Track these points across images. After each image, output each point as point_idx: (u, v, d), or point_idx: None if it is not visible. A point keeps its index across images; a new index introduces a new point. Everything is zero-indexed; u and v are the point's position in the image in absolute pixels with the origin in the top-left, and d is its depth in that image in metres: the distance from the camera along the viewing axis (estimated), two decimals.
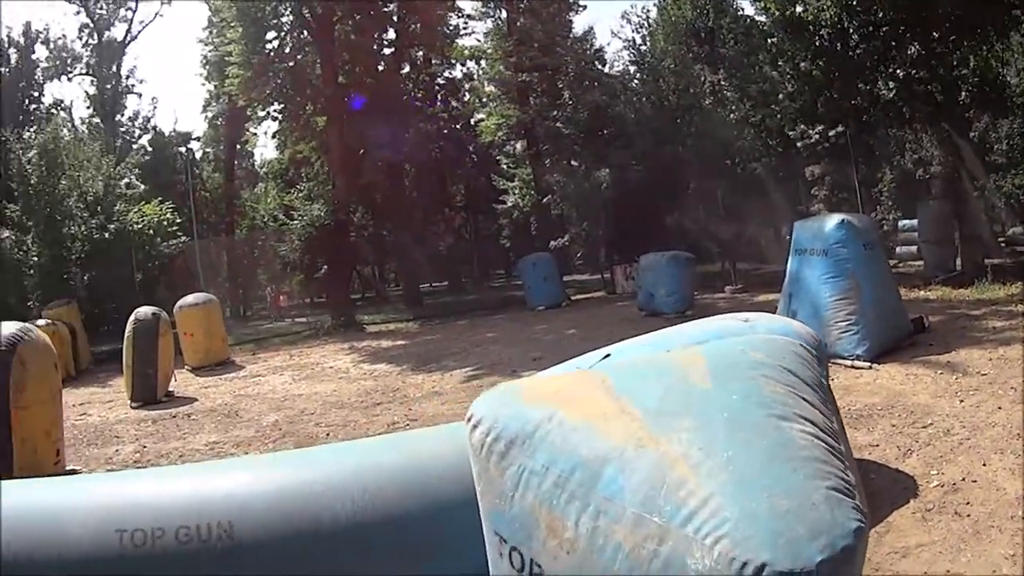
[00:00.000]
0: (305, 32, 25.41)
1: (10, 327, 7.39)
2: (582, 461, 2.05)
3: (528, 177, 31.58)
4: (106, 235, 25.18)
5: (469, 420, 2.38)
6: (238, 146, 49.35)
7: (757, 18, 22.75)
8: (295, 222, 26.57)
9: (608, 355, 3.60)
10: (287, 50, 25.72)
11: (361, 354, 17.10)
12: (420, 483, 3.02)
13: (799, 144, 24.04)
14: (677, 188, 24.83)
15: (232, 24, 25.42)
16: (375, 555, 2.88)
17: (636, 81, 28.02)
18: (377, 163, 26.31)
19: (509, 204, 31.01)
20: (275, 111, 27.70)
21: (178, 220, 28.19)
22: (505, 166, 32.43)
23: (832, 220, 10.86)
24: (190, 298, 18.23)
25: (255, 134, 36.27)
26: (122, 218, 25.95)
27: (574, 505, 2.01)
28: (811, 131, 23.21)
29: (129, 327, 13.16)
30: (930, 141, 22.44)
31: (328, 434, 8.85)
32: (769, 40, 20.27)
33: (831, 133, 22.66)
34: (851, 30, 18.01)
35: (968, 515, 4.48)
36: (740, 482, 1.83)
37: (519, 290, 29.84)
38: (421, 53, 30.26)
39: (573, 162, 26.94)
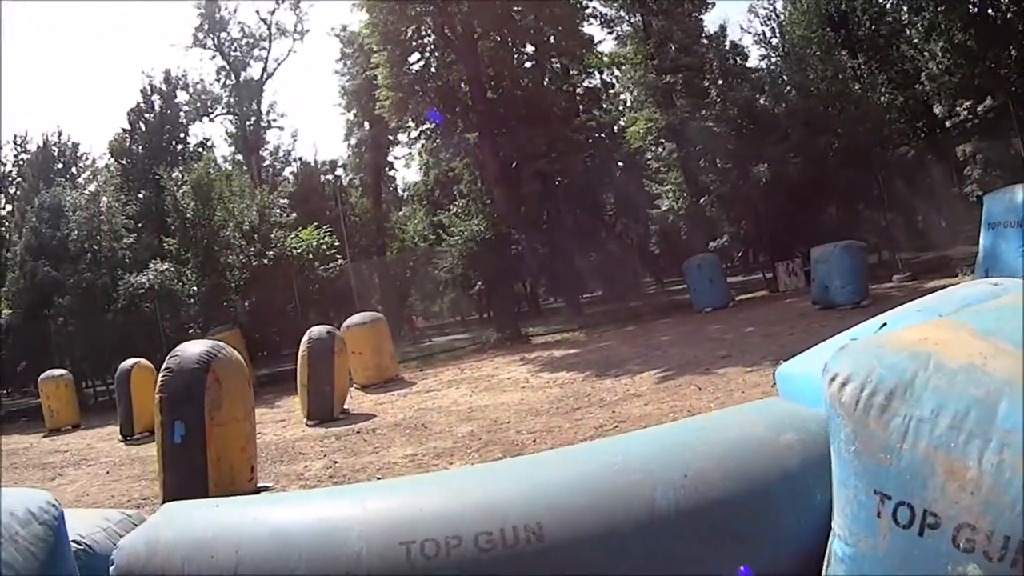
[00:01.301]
0: (449, 50, 25.97)
1: (203, 344, 7.56)
2: (975, 400, 2.04)
3: (678, 180, 31.21)
4: (265, 261, 26.17)
5: (833, 379, 2.35)
6: (383, 171, 51.06)
7: None
8: (455, 238, 26.78)
9: (884, 324, 3.43)
10: (432, 69, 26.32)
11: (535, 364, 17.10)
12: (738, 463, 2.92)
13: (948, 123, 23.00)
14: (833, 179, 24.10)
15: (378, 49, 26.22)
16: (698, 541, 2.74)
17: (781, 74, 27.26)
18: (531, 175, 26.53)
19: (664, 208, 30.68)
20: (428, 130, 28.25)
21: (336, 243, 29.10)
22: (655, 170, 32.07)
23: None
24: (357, 317, 18.57)
25: (410, 154, 37.40)
26: (280, 244, 26.92)
27: (974, 444, 1.99)
28: (959, 108, 22.18)
29: (304, 346, 13.58)
30: None
31: (534, 440, 8.62)
32: (920, 15, 19.35)
33: (979, 108, 21.57)
34: None
35: None
36: None
37: (677, 294, 29.54)
38: (558, 64, 30.42)
39: (726, 161, 26.40)
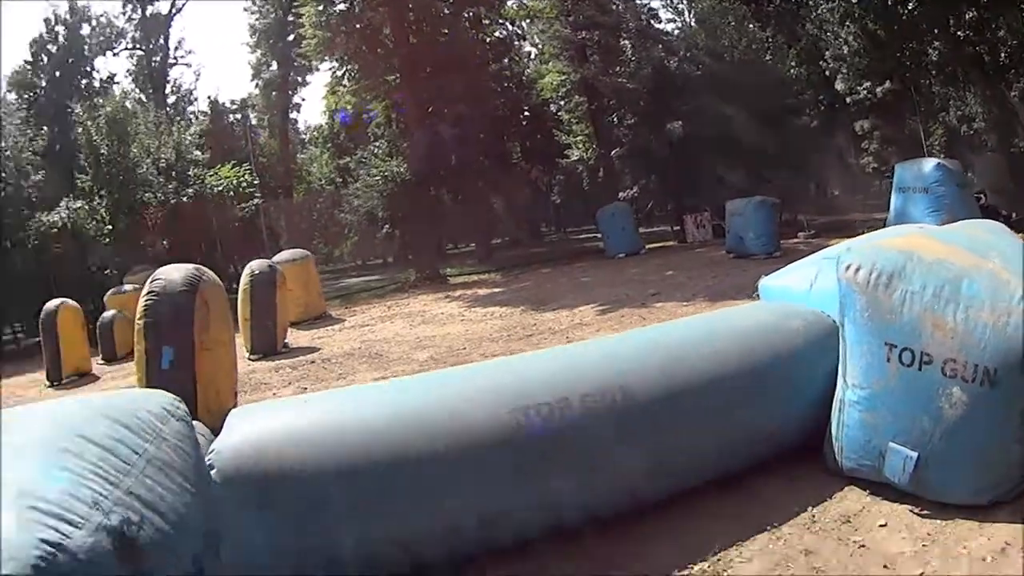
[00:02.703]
0: None
1: (186, 268, 7.24)
2: (948, 279, 3.30)
3: (587, 132, 32.33)
4: (184, 199, 25.98)
5: (848, 267, 3.57)
6: (289, 112, 50.49)
7: None
8: (375, 178, 27.08)
9: (849, 248, 4.46)
10: (357, 10, 26.44)
11: (463, 301, 17.78)
12: (758, 340, 4.06)
13: (848, 100, 24.90)
14: (740, 141, 25.57)
15: None
16: (736, 397, 3.89)
17: (694, 37, 28.58)
18: (451, 119, 27.06)
19: (574, 158, 31.79)
20: (351, 70, 28.39)
21: (256, 182, 29.06)
22: (566, 122, 33.12)
23: (930, 162, 12.81)
24: (286, 254, 18.75)
25: (335, 93, 37.21)
26: (199, 182, 26.77)
27: (950, 306, 3.25)
28: (859, 88, 24.06)
29: (245, 280, 13.64)
30: (974, 99, 23.04)
31: None
32: (835, 1, 20.91)
33: (879, 89, 23.48)
34: None
35: None
36: None
37: (581, 242, 30.80)
38: (472, 12, 30.70)
39: (638, 118, 27.64)
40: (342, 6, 26.46)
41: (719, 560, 3.30)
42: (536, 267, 24.91)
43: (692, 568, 3.25)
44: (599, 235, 26.58)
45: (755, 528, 3.53)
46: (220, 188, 27.17)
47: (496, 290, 19.34)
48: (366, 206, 29.38)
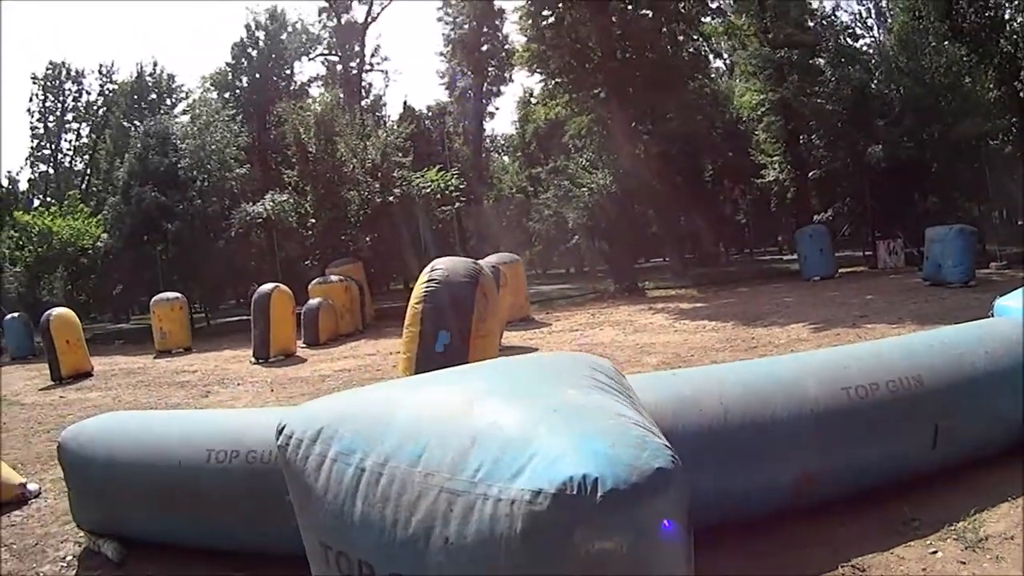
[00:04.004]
0: (580, 8, 27.14)
1: (464, 260, 7.87)
2: None
3: (781, 151, 32.43)
4: (391, 199, 27.27)
5: None
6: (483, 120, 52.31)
7: None
8: (582, 189, 27.91)
9: None
10: (565, 24, 27.50)
11: (668, 314, 18.24)
12: (1008, 346, 5.09)
13: None
14: (934, 168, 25.39)
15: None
16: (1003, 391, 4.89)
17: (895, 58, 28.26)
18: (660, 135, 27.80)
19: (769, 179, 32.04)
20: (560, 83, 29.04)
21: (462, 186, 30.44)
22: (763, 141, 33.35)
23: None
24: (495, 257, 19.19)
25: (543, 104, 38.92)
26: (405, 183, 28.08)
27: None
28: None
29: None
30: None
31: None
32: None
33: None
34: None
35: None
36: None
37: (768, 263, 30.82)
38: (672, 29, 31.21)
39: (837, 139, 27.66)
40: (551, 20, 27.57)
41: (974, 519, 4.25)
42: (731, 286, 25.21)
43: (955, 524, 4.21)
44: (786, 257, 26.60)
45: (999, 498, 4.47)
46: (428, 190, 28.44)
47: (699, 305, 19.75)
48: (571, 216, 30.15)
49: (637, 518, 1.76)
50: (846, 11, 32.62)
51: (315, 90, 47.53)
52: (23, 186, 54.81)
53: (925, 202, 25.56)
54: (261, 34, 46.21)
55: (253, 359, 16.33)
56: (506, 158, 58.46)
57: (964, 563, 3.82)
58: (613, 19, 27.53)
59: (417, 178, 28.97)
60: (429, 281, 7.31)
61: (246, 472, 4.34)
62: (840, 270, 24.85)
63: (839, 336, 11.52)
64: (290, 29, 47.61)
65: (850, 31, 32.01)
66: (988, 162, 25.59)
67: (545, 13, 27.75)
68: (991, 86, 25.77)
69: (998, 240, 25.60)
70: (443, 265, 7.54)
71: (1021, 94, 23.86)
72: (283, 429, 2.42)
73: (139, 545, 4.90)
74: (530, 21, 27.60)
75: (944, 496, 4.57)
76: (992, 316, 6.27)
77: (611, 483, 1.71)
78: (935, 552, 3.95)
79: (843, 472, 4.48)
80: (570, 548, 1.70)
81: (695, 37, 31.83)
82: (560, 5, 27.58)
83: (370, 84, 51.53)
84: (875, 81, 27.97)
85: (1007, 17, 25.61)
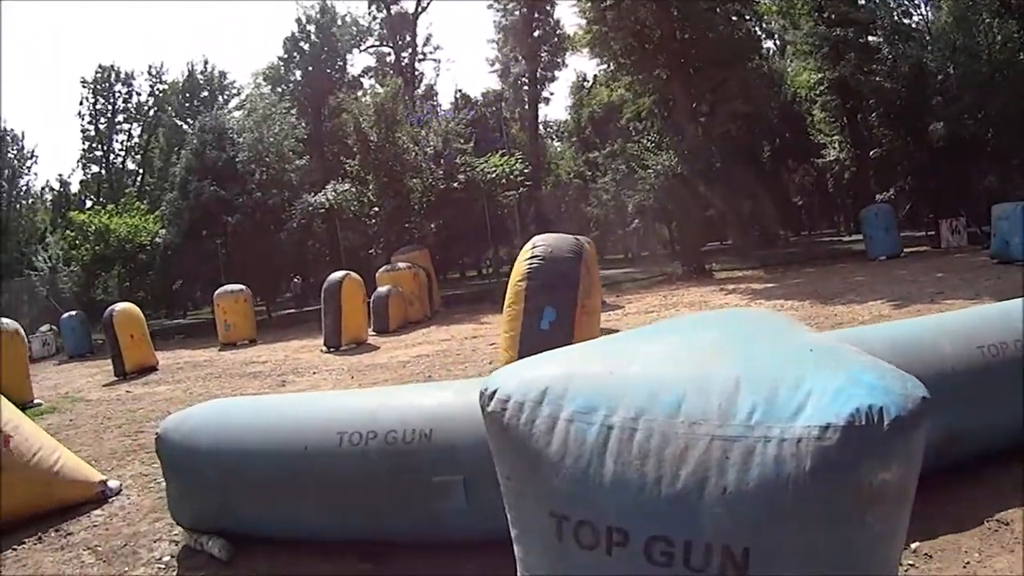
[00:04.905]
0: None
1: (568, 236, 7.77)
2: None
3: (840, 131, 32.03)
4: (455, 184, 27.34)
5: None
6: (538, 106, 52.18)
7: None
8: (649, 171, 27.72)
9: None
10: (622, 5, 27.14)
11: (741, 294, 18.21)
12: None
13: None
14: (995, 146, 25.04)
15: None
16: None
17: (950, 33, 27.76)
18: (726, 116, 27.64)
19: (830, 158, 31.66)
20: (624, 63, 28.97)
21: (526, 170, 30.32)
22: (821, 120, 32.95)
23: None
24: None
25: (605, 86, 38.47)
26: (468, 169, 28.13)
27: None
28: None
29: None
30: None
31: None
32: None
33: None
34: None
35: None
36: None
37: (829, 244, 30.42)
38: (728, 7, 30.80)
39: (896, 118, 27.24)
40: (611, 1, 27.27)
41: None
42: (796, 267, 25.06)
43: None
44: (846, 238, 26.18)
45: None
46: (493, 175, 28.41)
47: (770, 286, 19.65)
48: (634, 199, 30.13)
49: (912, 446, 1.81)
50: None
51: (367, 81, 48.53)
52: (75, 188, 56.29)
53: (985, 180, 25.02)
54: (312, 28, 46.40)
55: (324, 348, 16.23)
56: (557, 144, 58.36)
57: None
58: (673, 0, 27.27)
59: (481, 163, 28.96)
60: (532, 258, 7.27)
61: (385, 454, 4.07)
62: (904, 250, 24.66)
63: (920, 312, 11.36)
64: (339, 23, 47.80)
65: (903, 9, 31.46)
66: None
67: None
68: None
69: None
70: (546, 241, 7.49)
71: None
72: (494, 393, 2.20)
73: (244, 541, 4.58)
74: (590, 3, 27.51)
75: None
76: None
77: (895, 411, 1.74)
78: None
79: (981, 431, 4.49)
80: (857, 481, 1.72)
81: (747, 17, 31.54)
82: None
83: (422, 74, 51.56)
84: (931, 59, 27.39)
85: None
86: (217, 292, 21.33)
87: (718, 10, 28.15)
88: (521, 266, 7.34)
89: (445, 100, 50.78)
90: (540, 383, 2.16)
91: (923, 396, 1.84)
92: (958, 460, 4.41)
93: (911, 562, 3.64)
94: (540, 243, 7.45)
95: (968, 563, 3.59)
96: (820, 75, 31.04)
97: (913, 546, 3.75)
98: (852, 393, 1.78)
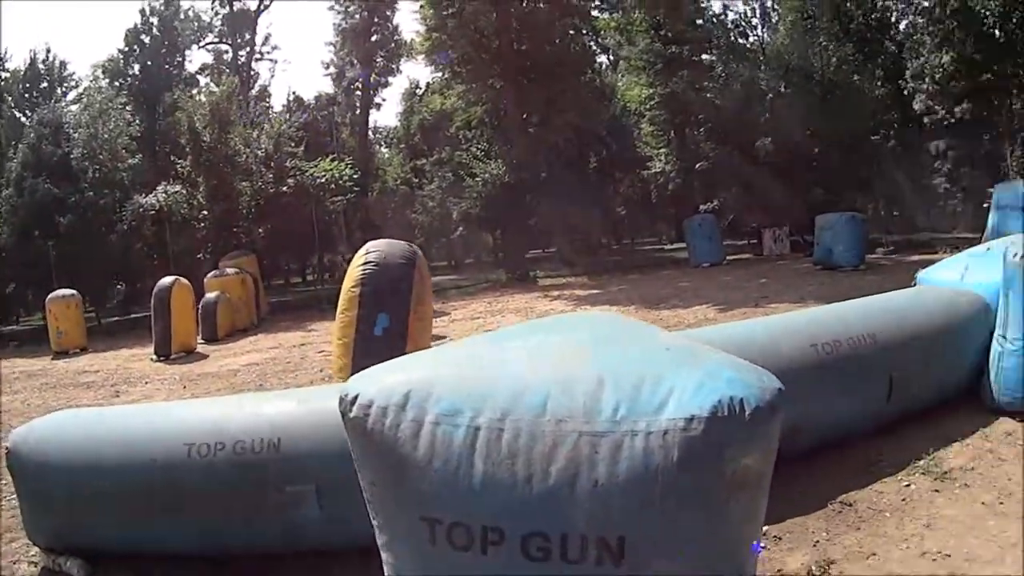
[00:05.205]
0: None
1: (398, 243, 7.62)
2: None
3: (667, 144, 33.32)
4: (284, 189, 26.66)
5: (1015, 255, 5.18)
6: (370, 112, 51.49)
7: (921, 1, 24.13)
8: (476, 179, 27.84)
9: (1013, 242, 5.70)
10: (463, 14, 27.19)
11: (567, 300, 18.43)
12: (943, 310, 5.66)
13: (925, 119, 25.76)
14: (822, 160, 26.55)
15: None
16: (944, 345, 5.63)
17: (784, 54, 29.22)
18: (559, 126, 28.06)
19: (656, 170, 32.88)
20: (458, 72, 29.07)
21: (356, 176, 29.95)
22: (650, 134, 34.15)
23: None
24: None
25: (439, 94, 38.23)
26: (298, 174, 27.47)
27: None
28: (938, 107, 24.82)
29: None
30: None
31: None
32: (937, 26, 21.69)
33: (956, 109, 24.23)
34: (1014, 17, 19.47)
35: None
36: None
37: (652, 252, 31.62)
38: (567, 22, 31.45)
39: (725, 133, 28.58)
40: (452, 8, 27.32)
41: (933, 457, 4.88)
42: (620, 274, 25.61)
43: (918, 462, 4.82)
44: (667, 246, 27.19)
45: (948, 440, 5.13)
46: (322, 180, 27.87)
47: (594, 292, 20.08)
48: (461, 207, 30.20)
49: (770, 434, 1.94)
50: (732, 11, 33.63)
51: (205, 79, 46.49)
52: None
53: (809, 193, 26.73)
54: (155, 20, 44.05)
55: (154, 356, 15.53)
56: (385, 151, 57.88)
57: (937, 491, 4.40)
58: (512, 10, 27.64)
59: (311, 168, 28.35)
60: (365, 264, 7.16)
61: (234, 465, 3.99)
62: (727, 257, 25.72)
63: (746, 315, 11.86)
64: (182, 16, 45.90)
65: (741, 29, 33.17)
66: (872, 155, 26.99)
67: (446, 2, 27.49)
68: (878, 84, 27.16)
69: (881, 228, 26.95)
70: (379, 247, 7.40)
71: (904, 92, 25.30)
72: (355, 399, 2.15)
73: (105, 558, 4.38)
74: (432, 10, 27.47)
75: (903, 439, 5.20)
76: (915, 285, 6.89)
77: (755, 402, 1.86)
78: (908, 485, 4.51)
79: (820, 421, 4.90)
80: (721, 468, 1.83)
81: (585, 32, 32.33)
82: None
83: (257, 74, 50.16)
84: (764, 77, 28.87)
85: (893, 20, 27.19)
86: (49, 297, 20.17)
87: (558, 23, 28.69)
88: (354, 272, 7.24)
89: (278, 102, 49.36)
90: (402, 387, 2.13)
91: (778, 388, 1.98)
92: (801, 449, 4.72)
93: (763, 544, 3.85)
94: (373, 249, 7.36)
95: (818, 542, 3.90)
96: (652, 90, 32.13)
97: (763, 529, 3.96)
98: (713, 387, 1.88)
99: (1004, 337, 5.33)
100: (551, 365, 2.11)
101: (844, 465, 4.80)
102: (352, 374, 6.74)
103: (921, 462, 4.76)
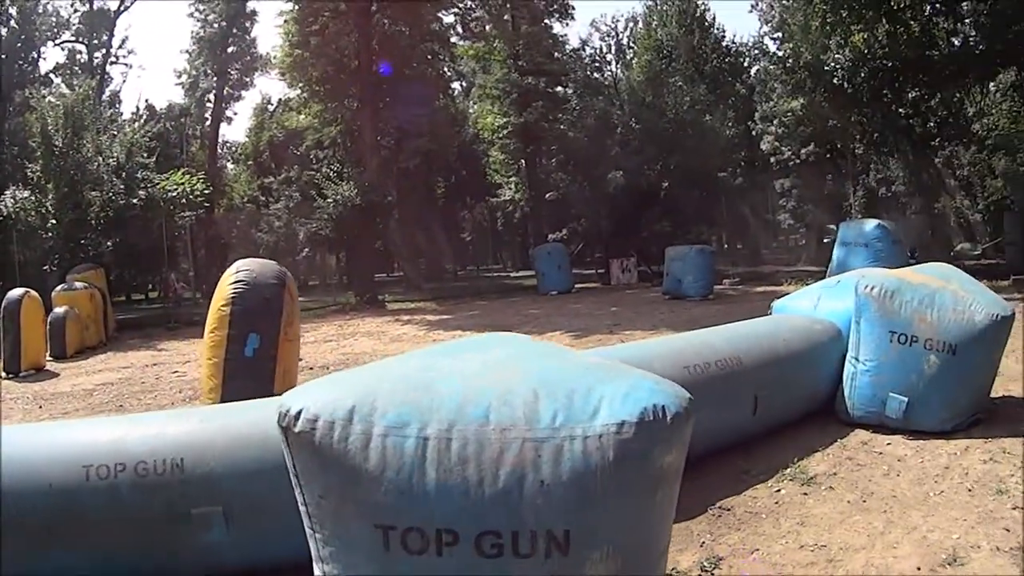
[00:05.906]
0: (343, 19, 27.21)
1: (268, 263, 7.65)
2: (927, 293, 5.78)
3: (518, 174, 34.09)
4: (135, 201, 25.43)
5: (866, 287, 5.87)
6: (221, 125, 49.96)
7: (775, 52, 25.93)
8: (328, 200, 27.27)
9: (864, 275, 6.33)
10: (326, 32, 27.27)
11: (418, 325, 18.25)
12: (798, 337, 6.42)
13: (772, 159, 27.78)
14: (671, 194, 27.75)
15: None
16: (803, 367, 6.34)
17: (640, 92, 30.58)
18: (411, 151, 28.27)
19: (505, 198, 33.47)
20: (318, 91, 28.93)
21: (207, 191, 28.87)
22: (502, 162, 34.76)
23: (871, 222, 16.45)
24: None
25: (296, 112, 37.42)
26: (149, 185, 26.29)
27: (928, 308, 5.70)
28: (784, 148, 26.87)
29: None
30: (896, 164, 26.19)
31: None
32: (790, 75, 23.37)
33: (803, 151, 26.31)
34: (860, 73, 21.19)
35: None
36: None
37: (497, 279, 31.99)
38: (427, 47, 31.58)
39: (577, 164, 29.49)
40: (315, 27, 27.30)
41: (799, 465, 5.38)
42: (470, 299, 25.72)
43: (785, 470, 5.28)
44: (513, 273, 27.46)
45: (810, 450, 5.68)
46: (174, 194, 26.77)
47: (445, 317, 20.07)
48: (309, 227, 29.76)
49: (685, 435, 2.24)
50: (590, 46, 34.88)
51: (57, 79, 43.87)
52: None
53: (658, 224, 27.71)
54: (14, 11, 40.99)
55: (4, 374, 14.15)
56: (232, 167, 56.29)
57: (806, 494, 4.86)
58: (374, 32, 27.72)
59: (163, 180, 27.07)
60: (236, 283, 7.08)
61: (137, 487, 3.74)
62: (576, 286, 26.21)
63: (601, 342, 12.19)
64: (41, 10, 43.06)
65: (596, 65, 34.39)
66: (720, 191, 28.54)
67: (310, 20, 27.39)
68: (728, 124, 28.79)
69: (727, 261, 28.34)
70: (249, 266, 7.34)
71: (753, 133, 27.11)
72: (298, 414, 2.21)
73: None
74: (296, 26, 27.25)
75: (770, 450, 5.71)
76: (771, 314, 7.57)
77: (674, 408, 2.17)
78: (779, 490, 4.95)
79: (694, 436, 5.24)
80: (649, 465, 2.14)
81: (443, 57, 32.71)
82: (326, 13, 27.37)
83: (111, 78, 47.73)
84: (618, 112, 29.94)
85: (745, 64, 29.08)
86: None
87: (418, 47, 29.01)
88: (225, 291, 7.12)
89: (127, 109, 47.14)
90: (345, 402, 2.23)
91: (689, 397, 2.30)
92: None
93: None
94: (244, 268, 7.28)
95: (704, 542, 4.22)
96: (506, 119, 32.80)
97: None
98: (638, 396, 2.19)
99: (857, 359, 6.03)
100: (485, 380, 2.31)
101: (719, 475, 5.22)
102: (223, 395, 6.98)
103: (788, 470, 5.28)
